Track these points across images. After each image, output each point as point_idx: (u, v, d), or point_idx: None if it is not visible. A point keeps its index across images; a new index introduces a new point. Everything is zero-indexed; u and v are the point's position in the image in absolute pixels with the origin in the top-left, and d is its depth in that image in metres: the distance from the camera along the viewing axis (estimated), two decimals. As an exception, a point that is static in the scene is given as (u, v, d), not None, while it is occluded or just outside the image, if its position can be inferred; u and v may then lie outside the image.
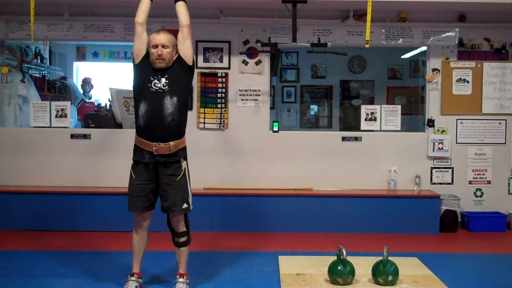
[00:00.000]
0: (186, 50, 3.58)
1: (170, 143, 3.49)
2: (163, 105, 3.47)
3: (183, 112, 3.60)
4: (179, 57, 3.59)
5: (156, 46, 3.48)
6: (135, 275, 3.64)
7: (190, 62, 3.61)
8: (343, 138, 5.84)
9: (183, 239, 3.64)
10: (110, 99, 6.28)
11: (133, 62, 3.62)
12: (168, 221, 3.66)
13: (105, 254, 4.59)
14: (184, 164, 3.59)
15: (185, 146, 3.63)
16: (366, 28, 4.74)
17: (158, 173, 3.54)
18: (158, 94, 3.48)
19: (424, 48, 6.05)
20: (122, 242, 4.80)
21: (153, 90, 3.49)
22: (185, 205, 3.57)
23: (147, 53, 3.56)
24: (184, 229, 3.63)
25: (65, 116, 5.76)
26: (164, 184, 3.54)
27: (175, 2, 3.61)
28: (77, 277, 3.92)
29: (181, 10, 3.59)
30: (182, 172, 3.57)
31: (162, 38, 3.49)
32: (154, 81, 3.51)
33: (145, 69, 3.54)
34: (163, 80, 3.51)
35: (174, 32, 3.61)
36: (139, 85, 3.56)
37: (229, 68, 5.77)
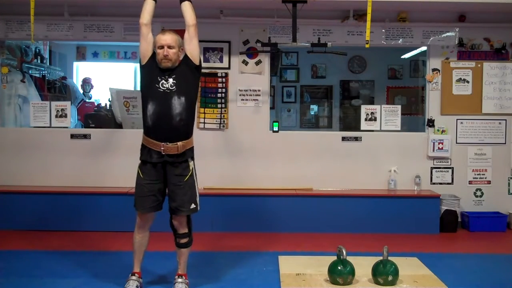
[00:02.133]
0: (192, 49, 3.57)
1: (178, 143, 3.49)
2: (171, 105, 3.46)
3: (191, 112, 3.60)
4: (186, 56, 3.59)
5: (162, 47, 3.48)
6: (135, 274, 3.64)
7: (197, 62, 3.60)
8: (343, 138, 5.84)
9: (184, 240, 3.63)
10: (110, 99, 6.28)
11: (140, 63, 3.62)
12: (170, 222, 3.66)
13: (105, 254, 4.59)
14: (191, 164, 3.59)
15: (193, 147, 3.63)
16: (366, 28, 4.74)
17: (167, 173, 3.54)
18: (166, 95, 3.48)
19: (424, 48, 6.05)
20: (122, 242, 4.80)
21: (160, 90, 3.49)
22: (193, 206, 3.57)
23: (154, 54, 3.56)
24: (186, 230, 3.62)
25: (65, 116, 5.76)
26: (172, 184, 3.54)
27: (181, 2, 3.61)
28: (77, 277, 3.92)
29: (187, 10, 3.59)
30: (190, 172, 3.57)
31: (167, 38, 3.49)
32: (161, 82, 3.50)
33: (152, 70, 3.54)
34: (171, 80, 3.51)
35: (180, 32, 3.61)
36: (147, 85, 3.56)
37: (229, 68, 5.77)
